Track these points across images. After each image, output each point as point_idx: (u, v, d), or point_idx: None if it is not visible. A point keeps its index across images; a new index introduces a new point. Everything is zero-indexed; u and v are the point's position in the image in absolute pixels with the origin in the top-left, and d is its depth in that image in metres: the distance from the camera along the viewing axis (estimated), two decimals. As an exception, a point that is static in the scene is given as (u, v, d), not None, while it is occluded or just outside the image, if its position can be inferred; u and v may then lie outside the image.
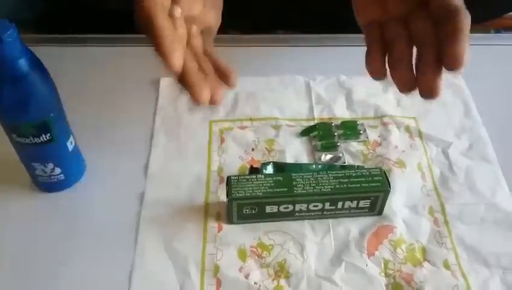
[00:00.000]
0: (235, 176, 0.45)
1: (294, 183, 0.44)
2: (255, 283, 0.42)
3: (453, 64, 0.34)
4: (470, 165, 0.51)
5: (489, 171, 0.51)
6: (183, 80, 0.34)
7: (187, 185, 0.49)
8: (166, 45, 0.32)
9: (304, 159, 0.52)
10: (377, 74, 0.38)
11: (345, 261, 0.43)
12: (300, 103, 0.58)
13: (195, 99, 0.34)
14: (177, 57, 0.32)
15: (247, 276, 0.43)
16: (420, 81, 0.35)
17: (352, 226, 0.46)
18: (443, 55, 0.35)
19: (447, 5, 0.36)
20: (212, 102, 0.35)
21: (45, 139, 0.43)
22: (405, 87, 0.36)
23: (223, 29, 0.75)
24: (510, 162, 0.51)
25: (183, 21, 0.37)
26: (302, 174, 0.45)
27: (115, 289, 0.42)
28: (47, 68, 0.41)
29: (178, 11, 0.36)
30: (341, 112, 0.57)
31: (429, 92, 0.35)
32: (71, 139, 0.46)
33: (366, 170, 0.46)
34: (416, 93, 0.59)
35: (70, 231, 0.46)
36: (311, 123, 0.55)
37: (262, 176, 0.45)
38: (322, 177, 0.45)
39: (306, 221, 0.46)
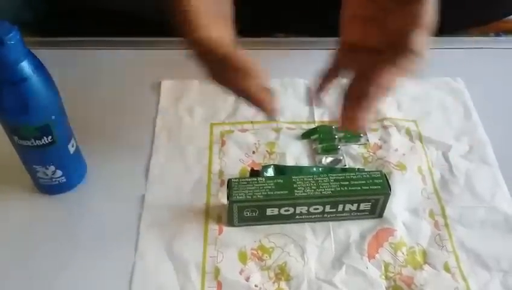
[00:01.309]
0: (235, 178, 0.45)
1: (294, 185, 0.44)
2: (256, 286, 0.42)
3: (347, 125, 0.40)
4: (470, 168, 0.51)
5: (489, 173, 0.51)
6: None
7: (188, 188, 0.49)
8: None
9: (305, 161, 0.52)
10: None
11: (345, 264, 0.44)
12: (300, 106, 0.58)
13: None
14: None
15: (247, 279, 0.43)
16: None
17: (353, 229, 0.46)
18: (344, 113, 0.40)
19: (407, 44, 0.38)
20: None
21: (47, 142, 0.43)
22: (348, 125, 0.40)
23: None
24: (510, 164, 0.51)
25: None
26: (303, 176, 0.45)
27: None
28: (49, 71, 0.41)
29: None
30: (341, 115, 0.57)
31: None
32: (73, 141, 0.46)
33: (366, 173, 0.46)
34: (417, 96, 0.60)
35: (71, 234, 0.46)
36: (312, 126, 0.55)
37: (263, 179, 0.45)
38: (322, 180, 0.45)
39: (307, 224, 0.46)
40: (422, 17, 0.38)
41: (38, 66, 0.40)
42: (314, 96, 0.44)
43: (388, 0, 0.40)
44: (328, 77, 0.45)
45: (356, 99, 0.39)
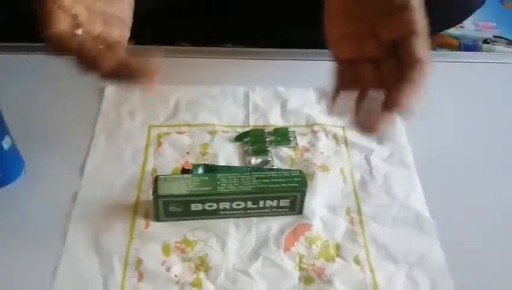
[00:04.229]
0: (163, 175, 0.48)
1: (218, 182, 0.47)
2: (175, 276, 0.45)
3: (388, 108, 0.39)
4: (389, 170, 0.55)
5: (406, 175, 0.54)
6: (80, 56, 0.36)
7: (120, 185, 0.52)
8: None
9: (236, 162, 0.55)
10: (338, 114, 0.44)
11: (262, 256, 0.46)
12: (237, 111, 0.61)
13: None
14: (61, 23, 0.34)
15: (168, 269, 0.45)
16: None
17: (274, 225, 0.49)
18: (385, 97, 0.39)
19: (412, 54, 0.39)
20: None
21: (-22, 137, 0.45)
22: (368, 132, 0.42)
23: (175, 41, 0.79)
24: (427, 167, 0.55)
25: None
26: (227, 174, 0.48)
27: (40, 281, 0.44)
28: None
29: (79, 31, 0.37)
30: (275, 120, 0.60)
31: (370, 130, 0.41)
32: (7, 138, 0.48)
33: (286, 172, 0.49)
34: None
35: (1, 226, 0.48)
36: (246, 129, 0.58)
37: (190, 176, 0.48)
38: (245, 178, 0.48)
39: (231, 219, 0.49)
40: (415, 23, 0.39)
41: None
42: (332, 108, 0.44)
43: (373, 15, 0.41)
44: (339, 92, 0.44)
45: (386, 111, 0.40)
